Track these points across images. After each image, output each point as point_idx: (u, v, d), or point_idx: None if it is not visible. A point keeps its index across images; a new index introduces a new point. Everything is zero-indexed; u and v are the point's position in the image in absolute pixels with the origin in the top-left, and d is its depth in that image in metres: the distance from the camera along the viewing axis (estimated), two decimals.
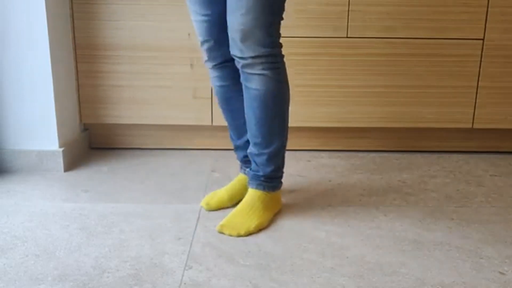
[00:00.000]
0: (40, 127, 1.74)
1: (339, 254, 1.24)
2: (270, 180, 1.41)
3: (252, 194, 1.40)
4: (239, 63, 1.31)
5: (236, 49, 1.29)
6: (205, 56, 1.42)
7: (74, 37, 1.86)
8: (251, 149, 1.40)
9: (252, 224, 1.35)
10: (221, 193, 1.49)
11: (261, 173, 1.40)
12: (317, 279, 1.14)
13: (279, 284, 1.12)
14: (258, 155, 1.38)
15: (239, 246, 1.27)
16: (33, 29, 1.65)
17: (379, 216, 1.45)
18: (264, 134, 1.36)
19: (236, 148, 1.51)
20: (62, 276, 1.13)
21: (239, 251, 1.25)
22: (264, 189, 1.40)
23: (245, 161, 1.49)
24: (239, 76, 1.36)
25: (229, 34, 1.29)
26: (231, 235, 1.32)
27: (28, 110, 1.72)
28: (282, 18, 1.30)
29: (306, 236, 1.33)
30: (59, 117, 1.76)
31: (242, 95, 1.38)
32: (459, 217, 1.45)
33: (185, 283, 1.11)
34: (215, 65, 1.41)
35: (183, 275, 1.14)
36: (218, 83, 1.44)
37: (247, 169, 1.46)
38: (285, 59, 1.34)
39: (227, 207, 1.46)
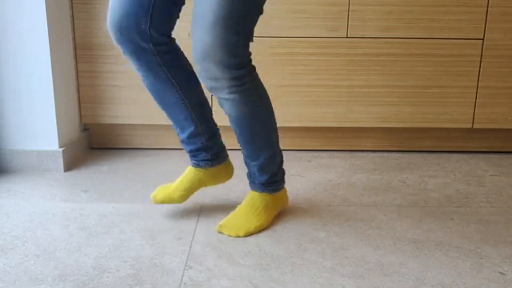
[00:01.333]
0: (40, 127, 1.74)
1: (339, 254, 1.24)
2: (269, 185, 1.39)
3: (253, 194, 1.40)
4: (206, 86, 1.23)
5: (196, 69, 1.20)
6: (115, 42, 1.25)
7: (74, 37, 1.86)
8: (244, 158, 1.37)
9: (252, 225, 1.34)
10: (170, 188, 1.40)
11: (257, 181, 1.39)
12: (317, 279, 1.14)
13: (279, 284, 1.12)
14: (250, 165, 1.37)
15: (239, 246, 1.27)
16: (33, 29, 1.65)
17: (379, 216, 1.45)
18: (249, 149, 1.33)
19: (182, 142, 1.41)
20: (62, 276, 1.13)
21: (239, 251, 1.25)
22: (263, 191, 1.39)
23: (192, 154, 1.40)
24: (160, 63, 1.24)
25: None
26: (230, 236, 1.32)
27: (28, 110, 1.72)
28: (251, 39, 1.19)
29: (306, 236, 1.33)
30: (59, 117, 1.76)
31: (172, 87, 1.28)
32: (459, 217, 1.45)
33: (185, 283, 1.11)
34: (124, 51, 1.25)
35: (183, 275, 1.14)
36: (140, 74, 1.30)
37: (247, 174, 1.42)
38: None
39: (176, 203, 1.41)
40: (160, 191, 1.39)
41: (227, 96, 1.22)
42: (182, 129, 1.38)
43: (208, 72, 1.18)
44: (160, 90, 1.31)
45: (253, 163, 1.35)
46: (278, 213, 1.44)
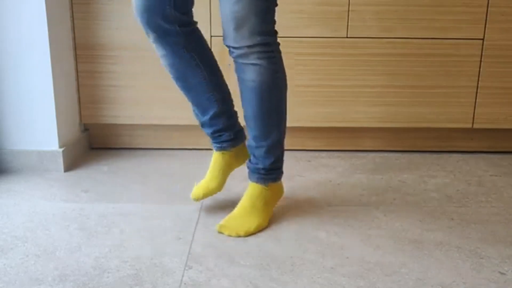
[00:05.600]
0: (40, 127, 1.74)
1: (339, 254, 1.24)
2: (271, 171, 1.38)
3: (253, 190, 1.39)
4: (233, 53, 1.27)
5: (229, 39, 1.25)
6: (143, 28, 1.31)
7: (74, 37, 1.86)
8: (250, 142, 1.37)
9: (253, 225, 1.35)
10: (206, 182, 1.44)
11: (260, 166, 1.37)
12: (317, 279, 1.14)
13: (279, 284, 1.12)
14: (257, 147, 1.35)
15: (239, 246, 1.27)
16: (33, 29, 1.65)
17: (379, 216, 1.45)
18: (261, 127, 1.33)
19: (203, 125, 1.45)
20: (62, 276, 1.13)
21: (239, 251, 1.25)
22: (265, 182, 1.38)
23: (214, 136, 1.44)
24: (186, 45, 1.31)
25: (222, 24, 1.25)
26: (230, 236, 1.32)
27: (28, 110, 1.72)
28: (276, 4, 1.26)
29: (306, 236, 1.33)
30: (59, 117, 1.76)
31: (197, 68, 1.34)
32: (459, 217, 1.45)
33: (185, 283, 1.11)
34: (152, 36, 1.30)
35: (183, 275, 1.14)
36: (166, 62, 1.36)
37: (246, 163, 1.42)
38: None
39: (216, 193, 1.45)
40: (198, 189, 1.43)
41: (255, 62, 1.25)
42: (205, 111, 1.41)
43: (241, 40, 1.22)
44: (185, 73, 1.36)
45: (262, 143, 1.34)
46: (277, 207, 1.44)
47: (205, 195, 1.43)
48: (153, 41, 1.33)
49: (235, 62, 1.29)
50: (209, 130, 1.43)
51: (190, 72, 1.36)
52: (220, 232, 1.34)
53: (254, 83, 1.28)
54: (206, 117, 1.41)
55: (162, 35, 1.30)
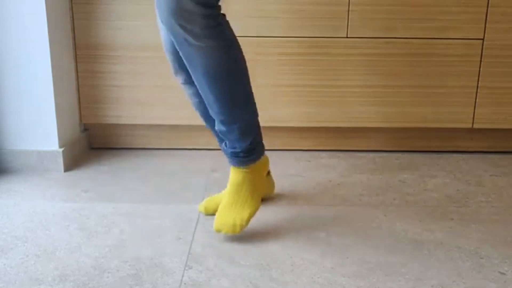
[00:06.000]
0: (40, 127, 1.74)
1: (339, 254, 1.24)
2: (252, 151, 1.31)
3: (237, 176, 1.32)
4: (175, 41, 1.18)
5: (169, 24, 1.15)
6: (172, 70, 1.34)
7: (74, 37, 1.86)
8: (220, 127, 1.28)
9: (245, 215, 1.29)
10: (220, 198, 1.43)
11: (239, 149, 1.30)
12: (317, 279, 1.14)
13: (279, 284, 1.12)
14: (229, 131, 1.27)
15: (239, 246, 1.27)
16: (33, 29, 1.65)
17: (379, 216, 1.45)
18: (228, 109, 1.24)
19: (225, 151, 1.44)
20: (62, 276, 1.13)
21: (239, 251, 1.25)
22: (247, 164, 1.31)
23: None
24: None
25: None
26: (227, 233, 1.29)
27: (28, 110, 1.73)
28: None
29: (306, 236, 1.33)
30: (59, 117, 1.76)
31: None
32: (459, 217, 1.45)
33: (185, 283, 1.11)
34: (183, 82, 1.34)
35: (183, 275, 1.14)
36: (195, 100, 1.36)
37: (223, 144, 1.35)
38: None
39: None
40: (210, 202, 1.43)
41: (201, 43, 1.15)
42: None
43: (181, 18, 1.12)
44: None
45: (235, 126, 1.26)
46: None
47: (216, 211, 1.39)
48: (183, 82, 1.34)
49: (180, 50, 1.20)
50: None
51: None
52: (219, 232, 1.30)
53: (209, 69, 1.20)
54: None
55: (190, 75, 1.27)
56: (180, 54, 1.21)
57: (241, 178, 1.33)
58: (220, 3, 1.19)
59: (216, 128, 1.30)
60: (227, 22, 1.21)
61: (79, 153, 1.90)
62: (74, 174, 1.75)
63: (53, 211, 1.46)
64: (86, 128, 2.00)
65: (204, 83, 1.21)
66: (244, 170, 1.33)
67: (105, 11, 1.82)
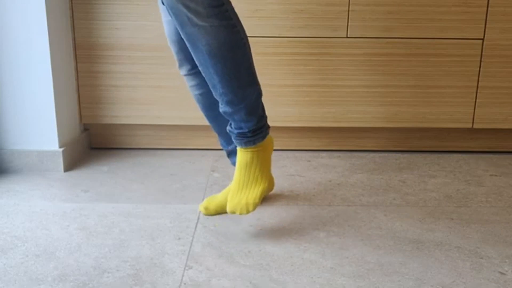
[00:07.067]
0: (40, 127, 1.74)
1: (339, 254, 1.24)
2: (258, 131, 1.31)
3: (245, 156, 1.32)
4: (177, 22, 1.17)
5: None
6: (176, 62, 1.36)
7: (74, 37, 1.86)
8: (225, 109, 1.27)
9: (257, 192, 1.29)
10: (220, 198, 1.43)
11: (245, 129, 1.29)
12: (317, 279, 1.14)
13: (279, 284, 1.12)
14: (235, 112, 1.26)
15: (239, 246, 1.27)
16: (33, 29, 1.65)
17: (379, 216, 1.45)
18: (234, 88, 1.23)
19: (229, 154, 1.49)
20: (62, 276, 1.13)
21: (239, 251, 1.25)
22: (255, 144, 1.31)
23: None
24: None
25: None
26: (241, 214, 1.28)
27: (28, 110, 1.73)
28: None
29: (306, 236, 1.33)
30: (59, 117, 1.76)
31: None
32: (459, 217, 1.45)
33: (185, 283, 1.11)
34: (186, 73, 1.35)
35: (183, 275, 1.14)
36: (196, 92, 1.37)
37: (227, 128, 1.34)
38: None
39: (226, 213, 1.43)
40: (210, 202, 1.44)
41: (205, 22, 1.15)
42: (230, 140, 1.43)
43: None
44: (214, 103, 1.36)
45: (241, 106, 1.25)
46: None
47: (217, 212, 1.43)
48: (186, 73, 1.35)
49: (184, 33, 1.20)
50: (235, 158, 1.45)
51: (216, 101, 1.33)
52: (233, 213, 1.28)
53: (213, 48, 1.19)
54: (232, 146, 1.44)
55: (195, 65, 1.30)
56: (183, 36, 1.20)
57: (249, 158, 1.32)
58: None
59: (221, 110, 1.29)
60: (229, 2, 1.21)
61: (79, 153, 1.90)
62: (74, 174, 1.75)
63: (53, 211, 1.46)
64: (86, 128, 2.00)
65: (209, 64, 1.20)
66: (252, 149, 1.32)
67: (105, 11, 1.82)
